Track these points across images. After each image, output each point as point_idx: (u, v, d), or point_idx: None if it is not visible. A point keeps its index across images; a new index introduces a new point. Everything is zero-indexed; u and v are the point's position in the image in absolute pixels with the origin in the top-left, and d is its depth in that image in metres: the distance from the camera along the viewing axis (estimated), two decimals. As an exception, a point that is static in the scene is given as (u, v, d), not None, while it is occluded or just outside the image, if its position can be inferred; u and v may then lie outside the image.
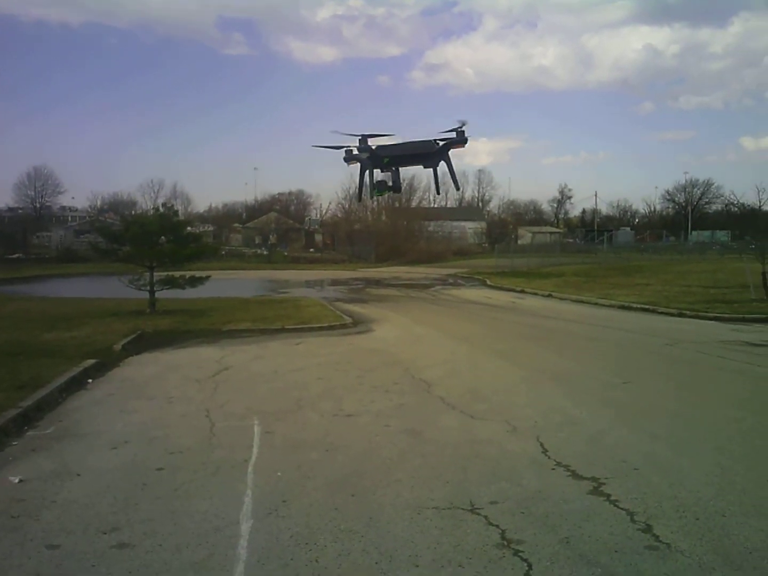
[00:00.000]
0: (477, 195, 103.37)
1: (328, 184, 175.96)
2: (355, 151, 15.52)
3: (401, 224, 66.32)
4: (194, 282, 19.86)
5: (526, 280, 32.46)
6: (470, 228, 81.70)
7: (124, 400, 9.22)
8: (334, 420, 8.02)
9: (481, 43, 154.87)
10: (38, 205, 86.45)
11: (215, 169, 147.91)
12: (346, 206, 76.49)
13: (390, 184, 16.76)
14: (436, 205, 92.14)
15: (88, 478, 6.01)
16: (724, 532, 4.73)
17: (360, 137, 15.63)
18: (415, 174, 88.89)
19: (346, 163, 15.78)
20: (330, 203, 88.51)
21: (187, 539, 4.70)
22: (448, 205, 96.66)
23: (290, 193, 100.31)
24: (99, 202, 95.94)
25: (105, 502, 5.42)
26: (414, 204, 75.79)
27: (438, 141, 15.87)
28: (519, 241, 73.54)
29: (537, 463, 6.33)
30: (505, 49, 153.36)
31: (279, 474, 6.02)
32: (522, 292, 27.94)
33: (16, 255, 56.51)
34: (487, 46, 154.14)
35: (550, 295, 25.86)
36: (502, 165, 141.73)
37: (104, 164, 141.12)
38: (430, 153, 16.11)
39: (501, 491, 5.56)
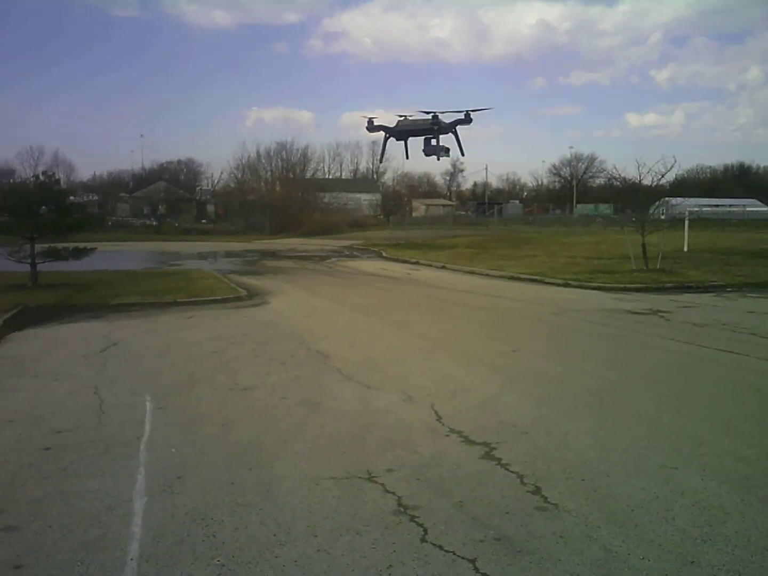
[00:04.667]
0: (371, 167, 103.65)
1: (220, 153, 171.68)
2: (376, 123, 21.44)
3: (296, 195, 65.72)
4: (78, 254, 18.99)
5: (420, 251, 32.92)
6: (365, 200, 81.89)
7: (6, 377, 8.78)
8: (230, 394, 7.93)
9: (378, 13, 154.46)
10: None
11: (100, 136, 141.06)
12: (239, 176, 75.07)
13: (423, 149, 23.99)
14: (330, 177, 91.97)
15: (-34, 461, 5.71)
16: (608, 491, 5.02)
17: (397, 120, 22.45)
18: (309, 144, 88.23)
19: (368, 131, 23.40)
20: (222, 173, 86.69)
21: (78, 519, 4.56)
22: (343, 177, 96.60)
23: (180, 162, 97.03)
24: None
25: (-14, 485, 5.17)
26: (309, 175, 75.19)
27: (443, 121, 22.10)
28: (413, 214, 74.42)
29: (432, 430, 6.50)
30: (402, 20, 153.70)
31: (173, 450, 5.92)
32: (417, 263, 28.34)
33: None
34: (385, 16, 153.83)
35: (443, 267, 26.36)
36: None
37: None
38: (440, 128, 22.10)
39: (397, 459, 5.68)
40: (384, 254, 33.75)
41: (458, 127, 23.39)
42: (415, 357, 10.05)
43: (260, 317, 14.03)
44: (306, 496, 4.92)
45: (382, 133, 22.82)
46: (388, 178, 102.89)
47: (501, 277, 22.26)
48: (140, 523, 4.53)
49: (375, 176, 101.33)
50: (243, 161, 73.34)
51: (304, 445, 6.06)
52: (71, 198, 23.27)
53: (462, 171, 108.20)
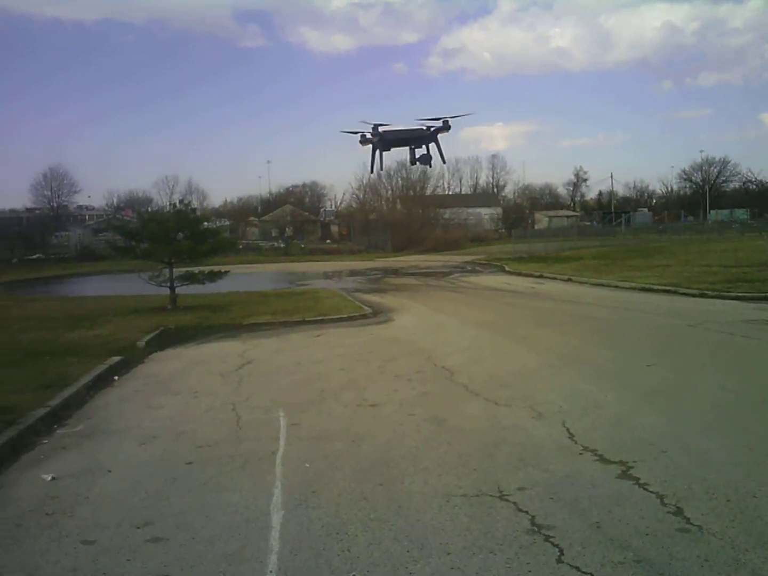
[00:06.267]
0: (492, 181, 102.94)
1: (342, 174, 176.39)
2: (368, 136, 21.91)
3: (416, 212, 66.23)
4: (213, 277, 19.94)
5: (544, 264, 32.30)
6: (486, 214, 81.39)
7: (150, 396, 9.31)
8: (358, 410, 8.05)
9: (497, 27, 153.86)
10: (55, 205, 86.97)
11: (229, 163, 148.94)
12: (361, 196, 76.66)
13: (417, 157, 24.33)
14: (450, 193, 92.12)
15: (119, 473, 6.09)
16: (756, 513, 4.70)
17: (373, 125, 21.87)
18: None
19: (361, 145, 23.41)
20: (344, 194, 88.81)
21: (220, 531, 4.75)
22: (463, 192, 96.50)
23: (304, 185, 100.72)
24: (115, 200, 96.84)
25: (137, 497, 5.49)
26: (429, 192, 75.61)
27: (429, 127, 22.74)
28: (536, 226, 73.30)
29: (564, 448, 6.33)
30: (521, 32, 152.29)
31: (307, 465, 6.07)
32: (541, 277, 27.81)
33: (36, 255, 57.20)
34: (503, 29, 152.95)
35: (569, 280, 25.73)
36: (518, 149, 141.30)
37: (119, 162, 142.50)
38: (423, 136, 22.72)
39: (529, 477, 5.57)
40: (507, 268, 33.34)
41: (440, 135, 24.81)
42: (543, 373, 9.84)
43: (385, 334, 14.20)
44: (438, 513, 4.91)
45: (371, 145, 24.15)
46: (508, 191, 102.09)
47: (631, 288, 21.45)
48: (278, 536, 4.66)
49: (495, 190, 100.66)
50: (364, 181, 74.71)
51: (433, 462, 6.05)
52: (205, 224, 24.49)
53: (586, 180, 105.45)
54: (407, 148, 24.16)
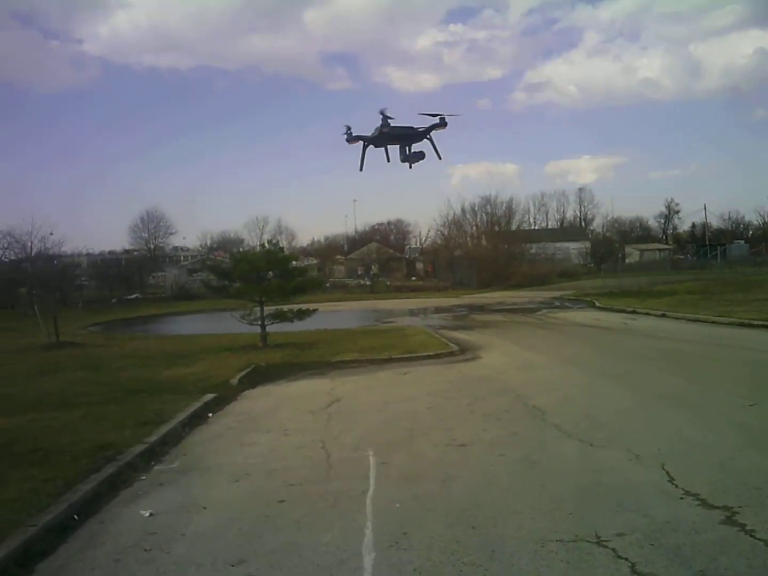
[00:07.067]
0: (579, 214, 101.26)
1: (427, 211, 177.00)
2: (354, 134, 22.60)
3: (502, 248, 65.66)
4: (302, 315, 20.32)
5: (636, 300, 31.37)
6: (573, 248, 79.91)
7: (243, 433, 9.49)
8: (448, 450, 7.97)
9: (582, 59, 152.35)
10: (152, 247, 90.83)
11: (317, 203, 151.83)
12: (445, 233, 76.52)
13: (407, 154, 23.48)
14: (536, 227, 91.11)
15: (213, 510, 6.21)
16: None
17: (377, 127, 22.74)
18: (513, 196, 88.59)
19: (347, 143, 23.16)
20: (429, 230, 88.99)
21: (312, 572, 4.77)
22: (549, 226, 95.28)
23: (389, 223, 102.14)
24: (209, 241, 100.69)
25: (230, 534, 5.58)
26: (514, 227, 75.00)
27: (426, 127, 22.68)
28: (626, 260, 71.45)
29: (664, 492, 6.06)
30: (608, 64, 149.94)
31: (397, 505, 6.03)
32: (633, 312, 26.99)
33: (134, 295, 59.82)
34: (589, 62, 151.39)
35: (663, 315, 24.89)
36: (606, 182, 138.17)
37: (212, 204, 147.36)
38: (417, 133, 22.72)
39: (627, 522, 5.35)
40: (597, 304, 32.55)
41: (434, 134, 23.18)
42: (639, 413, 9.51)
43: (473, 372, 14.06)
44: (533, 559, 4.78)
45: (361, 144, 24.11)
46: (597, 225, 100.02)
47: (729, 324, 20.55)
48: (370, 578, 4.63)
49: (583, 224, 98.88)
50: (448, 218, 74.74)
51: (526, 504, 5.91)
52: (294, 263, 25.05)
53: (677, 212, 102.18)
54: (401, 146, 24.39)
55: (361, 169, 26.35)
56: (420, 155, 24.74)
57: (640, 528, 5.23)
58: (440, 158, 25.05)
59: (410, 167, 24.03)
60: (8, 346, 22.70)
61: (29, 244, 59.60)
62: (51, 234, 59.58)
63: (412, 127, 23.07)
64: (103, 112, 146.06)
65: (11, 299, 51.44)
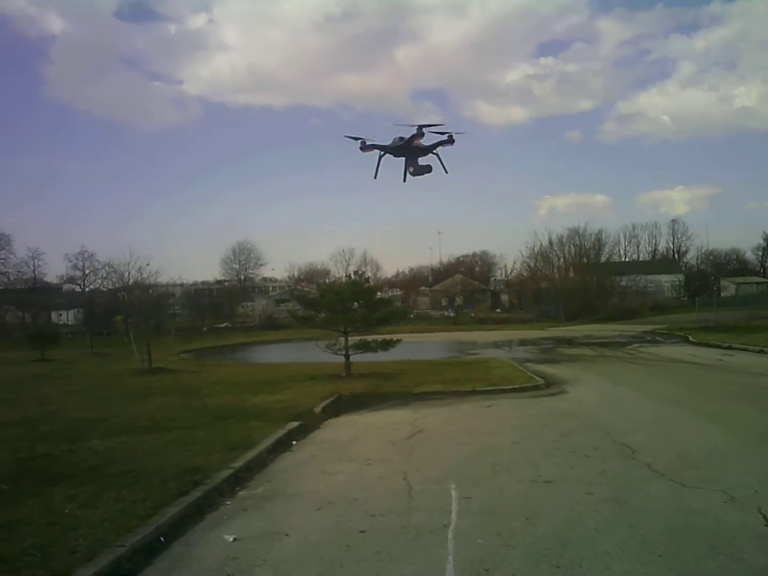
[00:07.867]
0: (672, 246, 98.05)
1: (513, 243, 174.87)
2: (368, 143, 25.30)
3: (590, 280, 64.35)
4: (386, 346, 20.42)
5: (733, 335, 30.03)
6: (666, 281, 77.37)
7: (326, 461, 9.54)
8: (533, 486, 7.78)
9: (676, 89, 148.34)
10: (242, 278, 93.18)
11: (402, 235, 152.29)
12: (532, 265, 75.49)
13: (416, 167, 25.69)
14: (627, 259, 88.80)
15: (295, 538, 6.25)
16: None
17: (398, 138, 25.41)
18: (603, 227, 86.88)
19: (361, 151, 25.64)
20: (514, 262, 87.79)
21: (393, 604, 4.72)
22: (641, 259, 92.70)
23: (474, 255, 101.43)
24: (296, 273, 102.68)
25: (312, 562, 5.59)
26: (603, 259, 73.37)
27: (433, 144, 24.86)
28: (722, 293, 68.60)
29: (760, 536, 5.72)
30: (703, 93, 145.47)
31: (480, 541, 5.91)
32: (729, 348, 25.85)
33: (225, 324, 61.68)
34: (683, 92, 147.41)
35: (762, 351, 23.72)
36: (700, 213, 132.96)
37: (301, 236, 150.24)
38: (424, 148, 24.62)
39: (721, 567, 5.09)
40: (691, 338, 31.38)
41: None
42: (735, 452, 9.05)
43: (559, 407, 13.73)
44: (621, 603, 4.59)
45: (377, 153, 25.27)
46: (690, 257, 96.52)
47: (837, 362, 19.39)
48: (451, 613, 4.55)
49: (676, 256, 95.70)
50: (535, 250, 73.82)
51: (614, 545, 5.68)
52: (378, 294, 25.30)
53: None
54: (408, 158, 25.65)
55: (375, 177, 27.84)
56: (427, 168, 26.23)
57: (734, 572, 4.98)
58: (447, 172, 26.46)
59: (405, 180, 26.01)
60: (104, 371, 23.73)
61: (127, 274, 62.61)
62: (147, 265, 62.51)
63: (422, 144, 25.41)
64: (199, 149, 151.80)
65: (108, 326, 53.95)
